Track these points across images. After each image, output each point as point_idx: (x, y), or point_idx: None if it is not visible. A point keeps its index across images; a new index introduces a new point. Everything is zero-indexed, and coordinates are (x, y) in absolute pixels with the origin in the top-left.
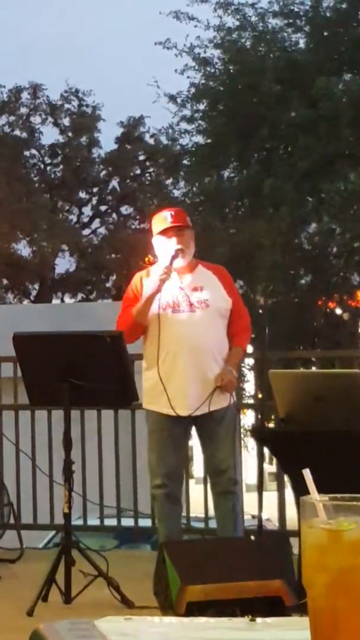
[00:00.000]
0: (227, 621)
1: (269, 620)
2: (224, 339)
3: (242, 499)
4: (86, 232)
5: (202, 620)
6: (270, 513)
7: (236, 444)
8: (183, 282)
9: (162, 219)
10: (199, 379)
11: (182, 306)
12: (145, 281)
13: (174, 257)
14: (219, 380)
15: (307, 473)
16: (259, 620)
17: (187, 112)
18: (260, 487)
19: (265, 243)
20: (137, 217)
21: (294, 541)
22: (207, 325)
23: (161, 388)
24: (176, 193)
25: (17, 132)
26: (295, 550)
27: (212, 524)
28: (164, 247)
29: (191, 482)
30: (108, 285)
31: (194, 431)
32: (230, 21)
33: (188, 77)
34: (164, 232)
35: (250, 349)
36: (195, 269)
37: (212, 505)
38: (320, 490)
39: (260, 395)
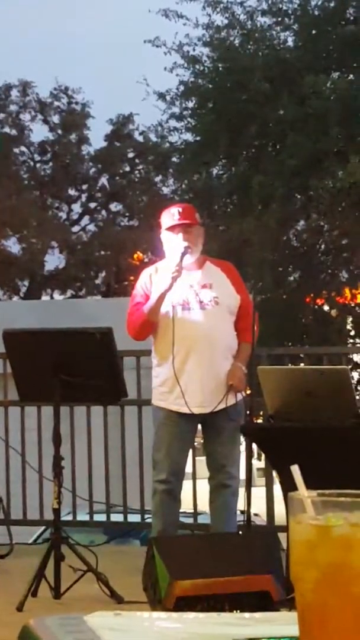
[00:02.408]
0: (216, 616)
1: (257, 615)
2: (234, 335)
3: (238, 495)
4: (75, 229)
5: (191, 615)
6: (258, 509)
7: (239, 440)
8: (192, 280)
9: (170, 216)
10: (211, 376)
11: (192, 304)
12: (154, 278)
13: (183, 255)
14: (231, 378)
15: (295, 469)
16: (247, 615)
17: (176, 109)
18: (248, 483)
19: (254, 240)
20: (127, 214)
21: (282, 537)
22: (218, 323)
23: (173, 385)
24: (165, 190)
25: (6, 130)
26: (284, 546)
27: (201, 520)
28: (171, 243)
29: None
30: (97, 281)
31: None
32: (219, 19)
33: (177, 74)
34: (171, 229)
35: None
36: (203, 265)
37: (205, 500)
38: (309, 486)
39: (249, 392)
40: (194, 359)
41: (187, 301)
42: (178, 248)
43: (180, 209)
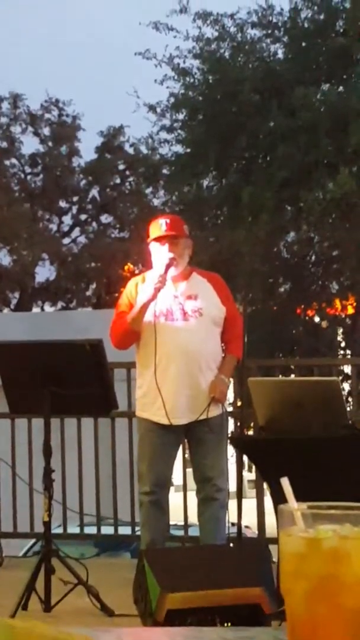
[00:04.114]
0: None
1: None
2: (218, 347)
3: (227, 507)
4: (66, 240)
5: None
6: (249, 520)
7: (225, 452)
8: (177, 291)
9: (158, 227)
10: (192, 388)
11: (176, 314)
12: (140, 288)
13: (168, 266)
14: (212, 390)
15: (285, 482)
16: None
17: (166, 121)
18: (239, 495)
19: (244, 251)
20: (117, 226)
21: (273, 548)
22: (201, 334)
23: (154, 396)
24: (156, 202)
25: None
26: (275, 558)
27: (192, 532)
28: (157, 254)
29: (170, 489)
30: (88, 293)
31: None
32: (209, 32)
33: (167, 87)
34: (158, 240)
35: None
36: (189, 277)
37: (196, 512)
38: (300, 497)
39: (239, 403)
40: (175, 370)
41: (170, 311)
42: (163, 259)
43: (168, 220)
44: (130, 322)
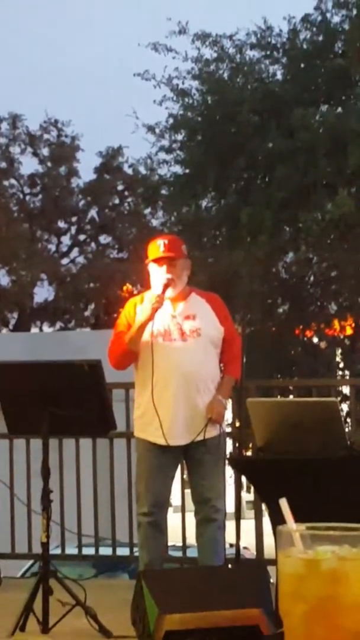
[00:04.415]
0: None
1: None
2: (216, 367)
3: (225, 529)
4: (65, 261)
5: None
6: (248, 541)
7: (223, 473)
8: (175, 311)
9: (156, 247)
10: (189, 408)
11: (174, 335)
12: (138, 308)
13: (166, 287)
14: (209, 411)
15: (283, 503)
16: None
17: (165, 142)
18: (238, 516)
19: (243, 272)
20: (116, 246)
21: (271, 570)
22: (199, 354)
23: (152, 416)
24: (155, 222)
25: None
26: (273, 579)
27: (190, 553)
28: (156, 275)
29: (169, 510)
30: (87, 314)
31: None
32: (208, 53)
33: (166, 107)
34: (156, 261)
35: None
36: (188, 297)
37: (195, 533)
38: (298, 518)
39: (238, 424)
40: (172, 390)
41: (168, 331)
42: (161, 280)
43: (166, 241)
44: (127, 343)
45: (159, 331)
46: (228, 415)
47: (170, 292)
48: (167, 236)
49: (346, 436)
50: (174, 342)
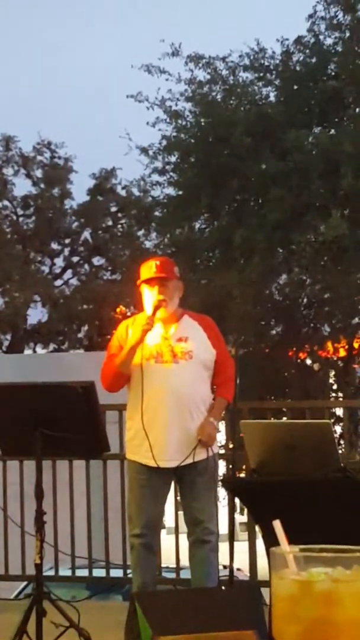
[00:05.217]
0: None
1: None
2: (208, 390)
3: (218, 550)
4: (58, 283)
5: None
6: (241, 563)
7: (215, 495)
8: (168, 333)
9: (148, 268)
10: (181, 430)
11: (166, 357)
12: (130, 330)
13: (157, 308)
14: (200, 433)
15: (277, 524)
16: None
17: (158, 164)
18: (231, 537)
19: (236, 294)
20: (109, 268)
21: (265, 591)
22: (191, 377)
23: (142, 438)
24: (148, 244)
25: None
26: (267, 601)
27: (184, 574)
28: (147, 296)
29: (162, 532)
30: (80, 335)
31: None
32: (202, 75)
33: (159, 129)
34: (147, 282)
35: None
36: (180, 319)
37: (187, 555)
38: (292, 540)
39: (231, 445)
40: (164, 412)
41: (160, 354)
42: (152, 301)
43: (158, 263)
44: (118, 365)
45: (151, 353)
46: (221, 437)
47: (161, 313)
48: (160, 258)
49: (339, 458)
50: (165, 364)
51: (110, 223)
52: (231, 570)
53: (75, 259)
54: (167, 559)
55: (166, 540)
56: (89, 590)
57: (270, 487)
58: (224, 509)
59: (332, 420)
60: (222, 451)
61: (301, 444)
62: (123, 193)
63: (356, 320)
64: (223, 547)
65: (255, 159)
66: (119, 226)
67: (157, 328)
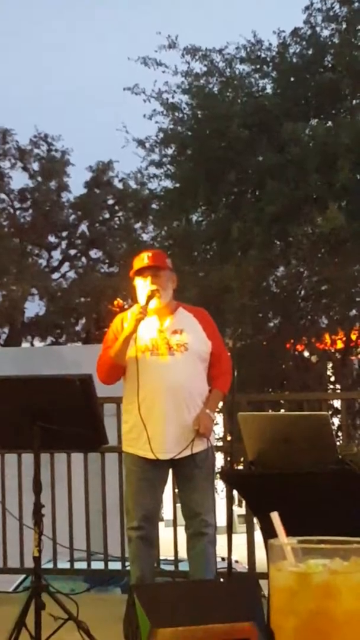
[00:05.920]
0: None
1: None
2: (204, 382)
3: (216, 543)
4: (55, 275)
5: None
6: (239, 555)
7: (213, 487)
8: (163, 325)
9: (140, 260)
10: (177, 423)
11: (161, 349)
12: (126, 323)
13: (149, 298)
14: (196, 424)
15: (275, 516)
16: None
17: (155, 156)
18: (229, 530)
19: (233, 286)
20: (106, 261)
21: (263, 583)
22: (186, 369)
23: (139, 431)
24: (145, 237)
25: None
26: (265, 593)
27: (182, 567)
28: (140, 287)
29: (161, 524)
30: (77, 328)
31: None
32: (198, 67)
33: (156, 122)
34: (140, 272)
35: None
36: (175, 311)
37: (185, 547)
38: (290, 532)
39: (229, 438)
40: (160, 405)
41: (156, 346)
42: (145, 291)
43: (150, 254)
44: (113, 356)
45: (147, 346)
46: (219, 429)
47: (154, 303)
48: (152, 250)
49: (337, 450)
50: (161, 356)
51: (107, 216)
52: (229, 563)
53: (72, 252)
54: (166, 551)
55: (164, 533)
56: (87, 582)
57: (268, 479)
58: (221, 501)
59: (330, 412)
60: (220, 444)
61: (299, 436)
62: (120, 186)
63: (353, 312)
64: (221, 540)
65: (252, 152)
66: (116, 219)
67: (153, 321)
